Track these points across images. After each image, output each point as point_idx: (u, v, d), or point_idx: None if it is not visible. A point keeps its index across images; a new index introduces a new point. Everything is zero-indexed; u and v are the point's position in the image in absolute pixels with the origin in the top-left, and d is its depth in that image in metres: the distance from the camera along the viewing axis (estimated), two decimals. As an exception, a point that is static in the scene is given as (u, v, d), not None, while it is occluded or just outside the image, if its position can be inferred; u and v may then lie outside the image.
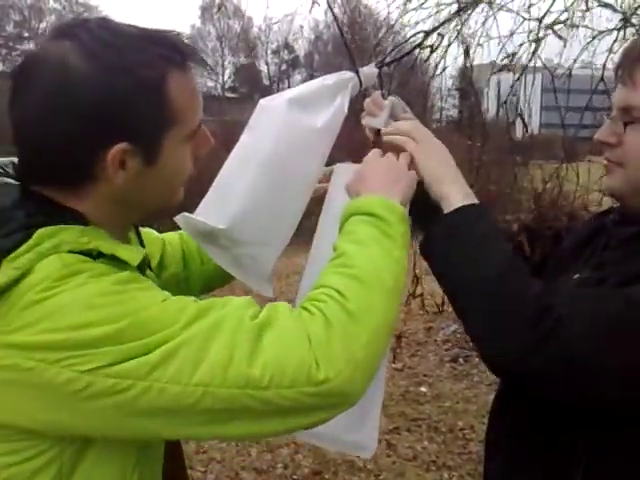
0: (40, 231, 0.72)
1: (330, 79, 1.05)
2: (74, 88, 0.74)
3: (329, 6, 1.23)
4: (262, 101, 1.03)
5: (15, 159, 0.83)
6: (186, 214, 0.98)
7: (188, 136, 0.83)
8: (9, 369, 0.69)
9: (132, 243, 0.93)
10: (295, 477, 3.09)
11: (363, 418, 1.01)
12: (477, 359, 4.49)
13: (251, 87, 37.21)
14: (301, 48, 38.27)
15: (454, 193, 0.94)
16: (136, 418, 0.71)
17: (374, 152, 0.99)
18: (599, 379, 0.82)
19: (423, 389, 4.11)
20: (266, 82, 37.66)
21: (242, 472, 3.11)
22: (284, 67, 38.24)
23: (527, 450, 0.98)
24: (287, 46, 37.92)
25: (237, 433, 0.74)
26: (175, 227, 1.07)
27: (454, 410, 3.80)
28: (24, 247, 0.71)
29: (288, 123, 0.99)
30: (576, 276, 0.98)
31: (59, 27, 0.79)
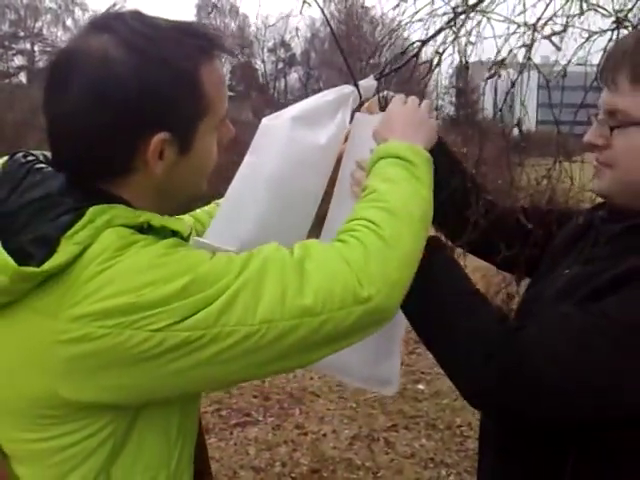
0: (92, 209, 0.75)
1: (330, 95, 1.07)
2: (116, 80, 0.76)
3: (324, 15, 1.23)
4: (265, 120, 1.05)
5: (46, 153, 0.84)
6: (197, 237, 1.01)
7: (217, 125, 0.86)
8: (80, 341, 0.71)
9: None
10: (293, 475, 3.10)
11: (387, 354, 1.03)
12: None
13: (247, 85, 37.19)
14: (297, 46, 38.29)
15: None
16: (210, 366, 0.74)
17: (398, 98, 1.04)
18: (566, 406, 0.83)
19: (421, 386, 4.12)
20: (262, 80, 37.63)
21: (240, 471, 3.11)
22: (280, 65, 38.22)
23: (518, 445, 0.99)
24: (283, 44, 37.90)
25: (296, 364, 0.80)
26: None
27: (452, 407, 3.81)
28: (79, 224, 0.73)
29: (292, 142, 1.01)
30: (566, 272, 0.99)
31: (94, 21, 0.81)
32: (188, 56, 0.79)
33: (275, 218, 1.00)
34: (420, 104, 1.03)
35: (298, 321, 0.74)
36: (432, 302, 0.93)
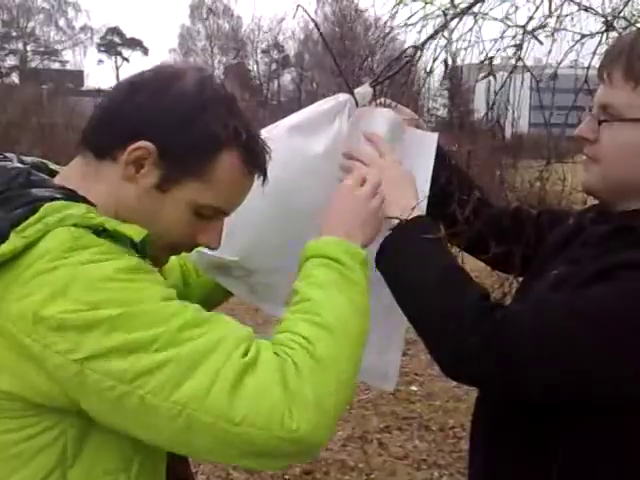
0: (46, 205, 0.75)
1: (327, 104, 1.08)
2: (170, 89, 0.83)
3: (316, 25, 1.23)
4: (262, 131, 1.05)
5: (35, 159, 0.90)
6: (199, 249, 1.02)
7: (199, 207, 0.85)
8: (9, 338, 0.72)
9: None
10: (286, 477, 3.09)
11: (387, 347, 1.03)
12: (467, 358, 4.52)
13: (240, 86, 37.14)
14: (291, 48, 38.30)
15: (393, 208, 1.01)
16: (111, 415, 0.73)
17: (343, 187, 0.99)
18: (527, 383, 0.87)
19: (414, 388, 4.13)
20: (256, 82, 37.62)
21: (233, 472, 3.11)
22: (274, 67, 38.21)
23: (507, 445, 1.00)
24: (277, 46, 37.91)
25: (203, 455, 0.76)
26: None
27: (444, 409, 3.82)
28: (32, 219, 0.74)
29: (291, 151, 1.02)
30: (554, 272, 1.00)
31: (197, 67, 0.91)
32: (225, 129, 0.83)
33: (276, 227, 1.01)
34: (377, 186, 1.00)
35: (212, 420, 0.71)
36: (418, 273, 0.96)
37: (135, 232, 0.80)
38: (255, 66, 37.99)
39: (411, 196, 1.03)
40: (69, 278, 0.71)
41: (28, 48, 32.02)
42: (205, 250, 1.02)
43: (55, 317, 0.70)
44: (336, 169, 1.07)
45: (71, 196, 0.80)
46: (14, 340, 0.72)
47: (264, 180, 0.89)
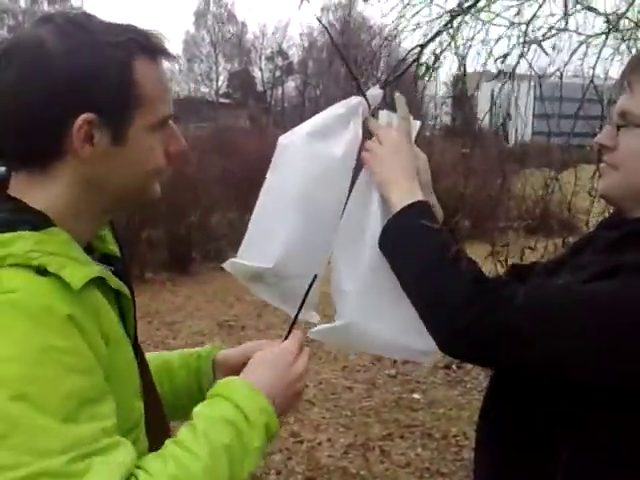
0: None
1: (340, 108, 1.11)
2: (46, 61, 0.78)
3: (325, 28, 1.24)
4: (282, 140, 1.09)
5: None
6: (232, 259, 1.06)
7: (155, 125, 0.85)
8: None
9: (106, 241, 0.94)
10: (288, 484, 3.09)
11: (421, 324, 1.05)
12: (470, 365, 4.50)
13: (245, 93, 37.27)
14: (295, 55, 38.42)
15: (395, 195, 1.05)
16: None
17: (264, 352, 0.95)
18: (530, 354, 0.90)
19: (416, 396, 4.11)
20: (260, 88, 37.74)
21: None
22: (278, 73, 38.33)
23: (511, 450, 1.00)
24: (281, 52, 38.03)
25: None
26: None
27: (447, 417, 3.81)
28: None
29: (311, 157, 1.06)
30: (560, 282, 1.00)
31: (39, 17, 0.84)
32: (121, 46, 0.81)
33: (305, 232, 1.04)
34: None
35: None
36: (418, 254, 1.00)
37: (77, 277, 0.75)
38: (259, 73, 38.17)
39: (412, 179, 1.07)
40: None
41: (34, 54, 32.21)
42: (239, 260, 1.07)
43: None
44: (352, 171, 1.10)
45: (26, 216, 0.79)
46: None
47: (170, 58, 0.88)
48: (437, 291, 0.96)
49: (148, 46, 0.84)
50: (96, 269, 0.80)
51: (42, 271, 0.74)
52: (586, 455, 0.91)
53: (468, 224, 7.32)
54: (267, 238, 1.05)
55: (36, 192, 0.82)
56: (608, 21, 1.53)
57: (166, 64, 0.88)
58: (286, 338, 0.98)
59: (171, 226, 7.53)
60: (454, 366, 4.55)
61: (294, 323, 1.02)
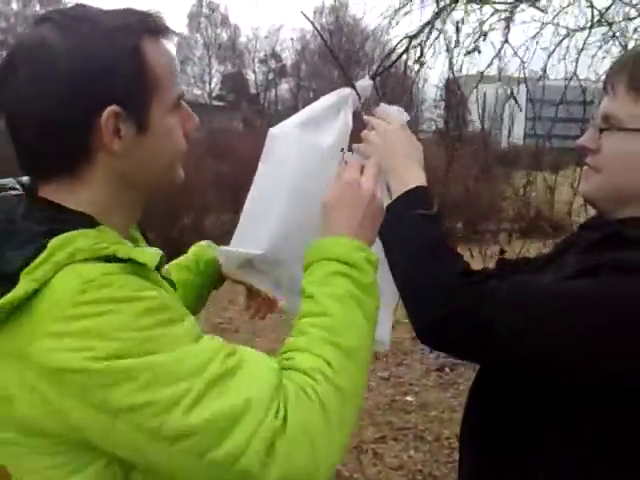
0: (53, 241, 0.71)
1: (331, 98, 1.11)
2: (55, 62, 0.75)
3: (316, 29, 1.26)
4: (273, 130, 1.09)
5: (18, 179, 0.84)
6: (224, 247, 1.06)
7: (173, 105, 0.83)
8: (36, 393, 0.69)
9: (140, 243, 0.93)
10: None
11: (382, 313, 1.07)
12: (463, 368, 4.51)
13: (238, 95, 37.23)
14: (288, 57, 38.44)
15: (393, 183, 1.06)
16: (146, 464, 0.73)
17: (337, 178, 0.97)
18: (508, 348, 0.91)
19: (409, 398, 4.12)
20: (253, 90, 37.72)
21: None
22: (271, 76, 38.32)
23: (494, 448, 1.01)
24: (274, 55, 38.05)
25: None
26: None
27: (440, 419, 3.81)
28: (40, 258, 0.70)
29: (302, 146, 1.06)
30: (544, 281, 1.00)
31: (35, 18, 0.82)
32: (127, 29, 0.78)
33: (297, 219, 1.05)
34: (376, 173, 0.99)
35: None
36: (409, 244, 1.02)
37: (149, 259, 0.76)
38: (252, 75, 38.16)
39: (409, 165, 1.08)
40: (89, 329, 0.68)
41: (26, 56, 32.09)
42: (230, 248, 1.07)
43: (81, 371, 0.67)
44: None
45: (72, 218, 0.77)
46: (41, 395, 0.69)
47: (174, 35, 0.86)
48: (422, 282, 0.98)
49: (152, 26, 0.81)
50: (157, 255, 0.79)
51: (111, 259, 0.73)
52: (571, 452, 0.92)
53: (460, 226, 7.34)
54: (258, 226, 1.06)
55: (68, 199, 0.79)
56: (593, 16, 1.54)
57: None
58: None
59: (164, 229, 7.52)
60: (447, 368, 4.56)
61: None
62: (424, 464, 3.30)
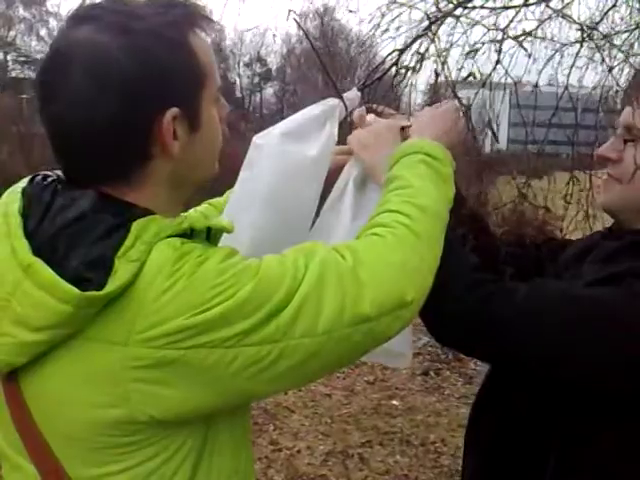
0: (136, 224, 0.72)
1: (317, 108, 1.09)
2: (111, 65, 0.72)
3: (305, 33, 1.25)
4: (256, 139, 1.07)
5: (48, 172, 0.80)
6: None
7: (216, 97, 0.82)
8: (156, 365, 0.69)
9: None
10: (267, 492, 3.06)
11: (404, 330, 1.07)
12: (448, 372, 4.53)
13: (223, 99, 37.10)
14: (273, 62, 38.47)
15: (381, 179, 1.04)
16: (274, 381, 0.75)
17: (431, 108, 1.09)
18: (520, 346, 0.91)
19: (395, 402, 4.12)
20: (238, 94, 37.67)
21: None
22: (256, 80, 38.31)
23: (499, 454, 1.01)
24: (259, 59, 38.04)
25: (337, 368, 0.82)
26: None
27: (426, 423, 3.81)
28: (128, 241, 0.70)
29: (283, 156, 1.04)
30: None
31: (71, 17, 0.76)
32: (174, 24, 0.75)
33: (272, 229, 1.03)
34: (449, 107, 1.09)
35: (353, 329, 0.75)
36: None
37: (225, 225, 0.83)
38: (238, 79, 38.09)
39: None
40: (192, 284, 0.70)
41: (9, 58, 31.78)
42: None
43: (199, 324, 0.69)
44: (326, 172, 1.10)
45: (134, 207, 0.76)
46: (162, 363, 0.70)
47: (215, 24, 0.84)
48: (438, 275, 0.96)
49: (193, 17, 0.78)
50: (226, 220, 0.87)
51: (189, 235, 0.76)
52: (573, 460, 0.92)
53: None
54: (236, 233, 1.05)
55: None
56: (582, 29, 1.55)
57: None
58: None
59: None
60: (432, 373, 4.57)
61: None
62: (410, 469, 3.30)
